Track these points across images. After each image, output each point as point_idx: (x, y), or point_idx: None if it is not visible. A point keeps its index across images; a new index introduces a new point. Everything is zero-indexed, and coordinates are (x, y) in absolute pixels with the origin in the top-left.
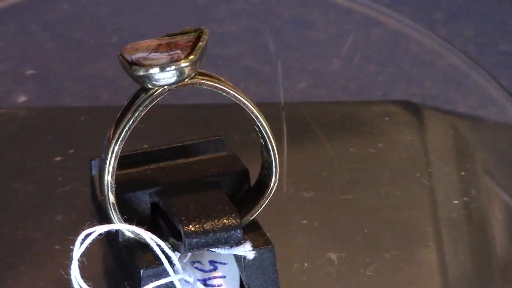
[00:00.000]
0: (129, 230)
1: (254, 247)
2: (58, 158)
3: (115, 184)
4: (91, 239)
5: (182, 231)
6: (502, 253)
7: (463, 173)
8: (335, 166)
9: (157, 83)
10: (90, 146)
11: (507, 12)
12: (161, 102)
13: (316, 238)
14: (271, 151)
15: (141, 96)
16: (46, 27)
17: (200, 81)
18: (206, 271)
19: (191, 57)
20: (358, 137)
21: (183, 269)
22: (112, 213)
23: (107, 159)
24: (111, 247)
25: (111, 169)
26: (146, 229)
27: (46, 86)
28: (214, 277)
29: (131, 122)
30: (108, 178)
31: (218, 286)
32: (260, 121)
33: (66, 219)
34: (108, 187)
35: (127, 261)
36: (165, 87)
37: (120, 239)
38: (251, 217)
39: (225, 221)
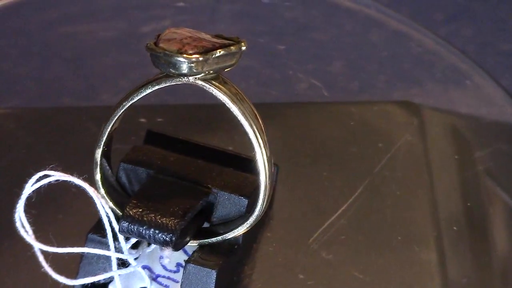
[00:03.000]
0: (83, 187)
1: (199, 264)
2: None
3: (134, 155)
4: (46, 182)
5: (123, 212)
6: (502, 253)
7: (463, 173)
8: (335, 166)
9: (161, 68)
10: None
11: (507, 12)
12: (160, 101)
13: None
14: (261, 191)
15: (155, 77)
16: (46, 27)
17: (208, 86)
18: (166, 269)
19: (194, 55)
20: (358, 137)
21: (140, 254)
22: (95, 163)
23: (113, 111)
24: None
25: (114, 119)
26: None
27: (46, 86)
28: (169, 278)
29: (136, 94)
30: (106, 130)
31: (165, 286)
32: (260, 150)
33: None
34: (102, 136)
35: None
36: (172, 77)
37: None
38: (215, 240)
39: (164, 221)
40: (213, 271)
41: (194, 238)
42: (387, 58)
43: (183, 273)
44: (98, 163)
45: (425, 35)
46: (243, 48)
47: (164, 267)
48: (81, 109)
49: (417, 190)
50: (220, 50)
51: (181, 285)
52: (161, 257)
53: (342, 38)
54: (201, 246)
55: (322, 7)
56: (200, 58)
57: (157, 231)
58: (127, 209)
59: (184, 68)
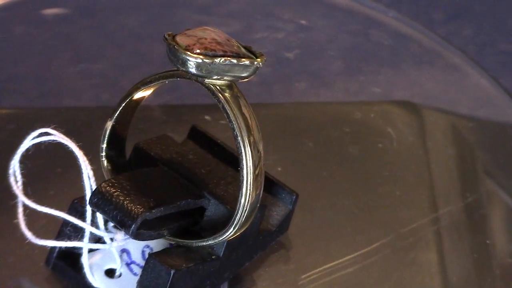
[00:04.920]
0: (76, 155)
1: (159, 260)
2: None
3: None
4: (45, 139)
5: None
6: (502, 253)
7: (463, 173)
8: (335, 166)
9: (171, 60)
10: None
11: (507, 12)
12: (161, 101)
13: None
14: (242, 198)
15: (170, 69)
16: (46, 27)
17: (213, 90)
18: (144, 259)
19: (196, 55)
20: (358, 137)
21: (123, 236)
22: (103, 135)
23: (128, 90)
24: None
25: (127, 99)
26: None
27: (46, 86)
28: (142, 267)
29: (148, 79)
30: (119, 107)
31: (134, 274)
32: (245, 161)
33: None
34: (115, 113)
35: None
36: (183, 74)
37: None
38: (185, 243)
39: (130, 207)
40: (171, 271)
41: (174, 236)
42: (387, 58)
43: (144, 265)
44: (106, 135)
45: (425, 35)
46: (257, 63)
47: (144, 256)
48: (81, 109)
49: (417, 190)
50: (227, 58)
51: (140, 276)
52: (146, 246)
53: (342, 38)
54: (178, 246)
55: (322, 6)
56: (205, 60)
57: (120, 215)
58: (101, 185)
59: (189, 66)
